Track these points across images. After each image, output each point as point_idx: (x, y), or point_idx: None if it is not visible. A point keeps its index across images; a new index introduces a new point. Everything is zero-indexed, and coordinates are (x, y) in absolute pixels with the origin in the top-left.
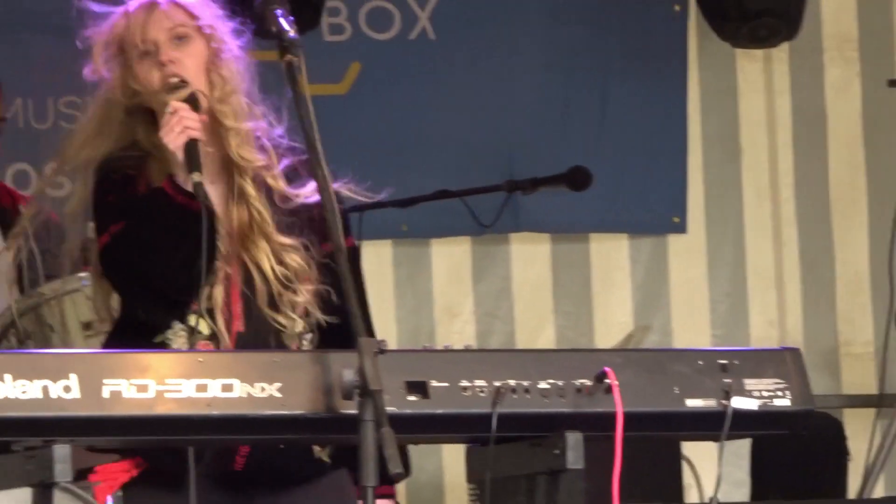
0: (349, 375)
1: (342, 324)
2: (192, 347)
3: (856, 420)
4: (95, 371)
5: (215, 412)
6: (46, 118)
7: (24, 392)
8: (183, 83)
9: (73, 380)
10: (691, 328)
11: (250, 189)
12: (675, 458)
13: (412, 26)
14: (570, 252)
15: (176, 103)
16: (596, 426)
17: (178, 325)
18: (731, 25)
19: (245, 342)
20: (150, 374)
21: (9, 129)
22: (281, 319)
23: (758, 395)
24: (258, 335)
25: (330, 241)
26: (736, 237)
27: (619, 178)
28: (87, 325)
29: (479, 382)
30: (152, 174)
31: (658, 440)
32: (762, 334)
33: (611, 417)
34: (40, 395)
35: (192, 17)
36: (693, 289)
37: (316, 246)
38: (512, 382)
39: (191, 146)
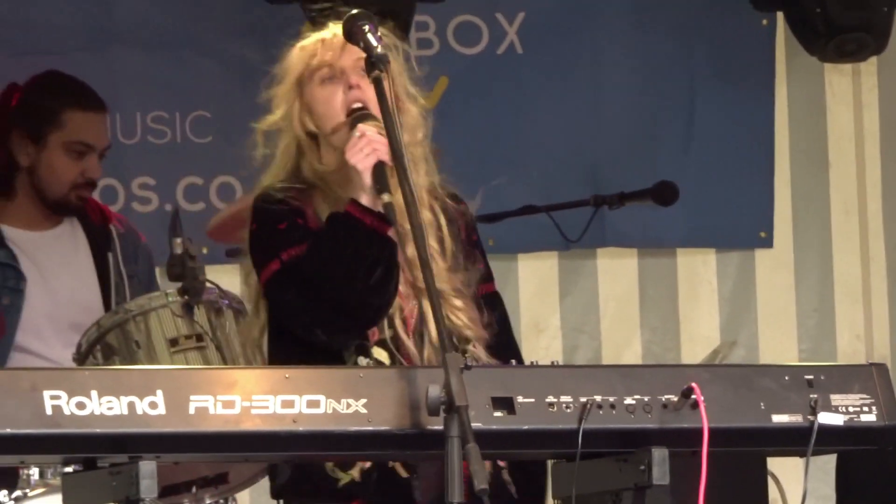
0: (435, 391)
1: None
2: None
3: None
4: (182, 387)
5: (301, 428)
6: (134, 133)
7: (110, 408)
8: (366, 110)
9: (159, 396)
10: (778, 343)
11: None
12: (761, 474)
13: (500, 40)
14: (656, 267)
15: (364, 126)
16: (682, 442)
17: (363, 361)
18: (819, 40)
19: None
20: (237, 390)
21: None
22: None
23: (844, 410)
24: None
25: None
26: (823, 251)
27: (706, 193)
28: (173, 342)
29: (565, 398)
30: (317, 204)
31: (744, 455)
32: (849, 349)
33: (697, 433)
34: (126, 412)
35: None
36: (780, 303)
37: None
38: (598, 398)
39: (380, 167)
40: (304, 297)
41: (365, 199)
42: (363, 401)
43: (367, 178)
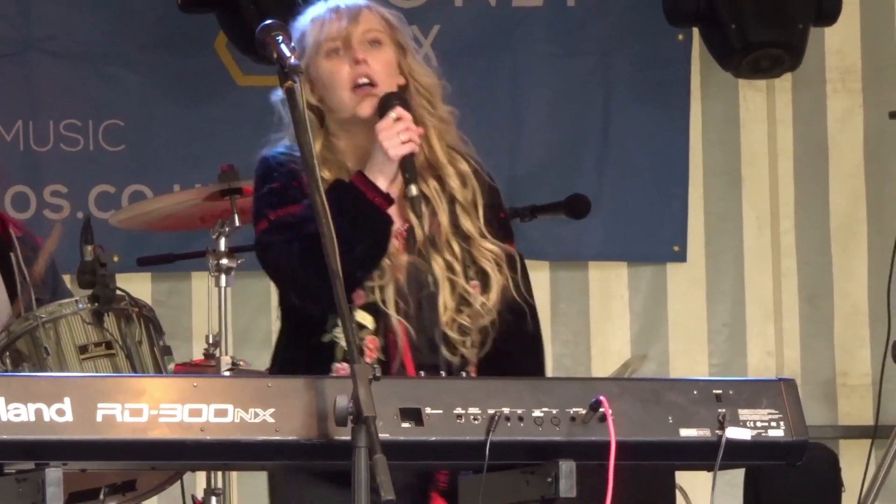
0: (343, 402)
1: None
2: (360, 342)
3: (851, 451)
4: (90, 395)
5: (209, 437)
6: (47, 141)
7: (17, 415)
8: (373, 85)
9: (66, 403)
10: (689, 358)
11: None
12: (669, 488)
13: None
14: (569, 280)
15: (401, 111)
16: (590, 455)
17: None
18: (734, 56)
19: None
20: (145, 398)
21: (9, 151)
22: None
23: (752, 425)
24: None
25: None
26: (736, 267)
27: (620, 207)
28: (82, 349)
29: (474, 410)
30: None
31: (652, 469)
32: (760, 365)
33: (604, 446)
34: (33, 419)
35: (388, 25)
36: (692, 318)
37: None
38: (506, 410)
39: (409, 158)
40: (284, 257)
41: (382, 182)
42: (271, 410)
43: (393, 168)
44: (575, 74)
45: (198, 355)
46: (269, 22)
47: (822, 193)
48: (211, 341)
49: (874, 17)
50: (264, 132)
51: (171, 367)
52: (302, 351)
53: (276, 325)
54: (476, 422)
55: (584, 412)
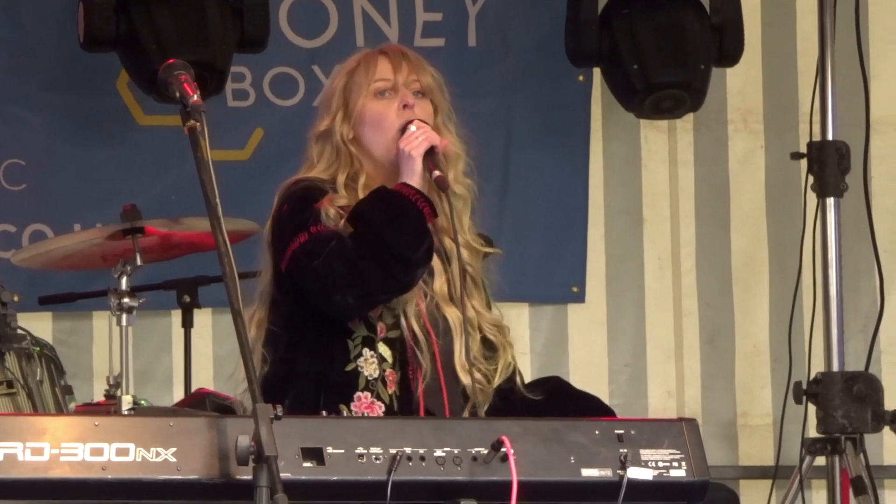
0: (244, 441)
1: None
2: (381, 375)
3: (753, 491)
4: None
5: (110, 476)
6: None
7: None
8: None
9: None
10: None
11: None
12: None
13: (316, 93)
14: None
15: (420, 122)
16: (491, 495)
17: (368, 353)
18: (636, 96)
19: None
20: (46, 437)
21: None
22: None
23: (653, 465)
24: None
25: None
26: (636, 308)
27: (520, 247)
28: None
29: (375, 450)
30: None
31: None
32: (661, 405)
33: (506, 486)
34: None
35: (434, 80)
36: (593, 358)
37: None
38: (408, 450)
39: (430, 151)
40: (334, 255)
41: (416, 182)
42: (172, 449)
43: (419, 164)
44: (475, 115)
45: (99, 395)
46: (172, 61)
47: (724, 234)
48: (112, 381)
49: (776, 59)
50: (165, 171)
51: (73, 406)
52: (319, 383)
53: (179, 363)
54: (378, 461)
55: (485, 452)
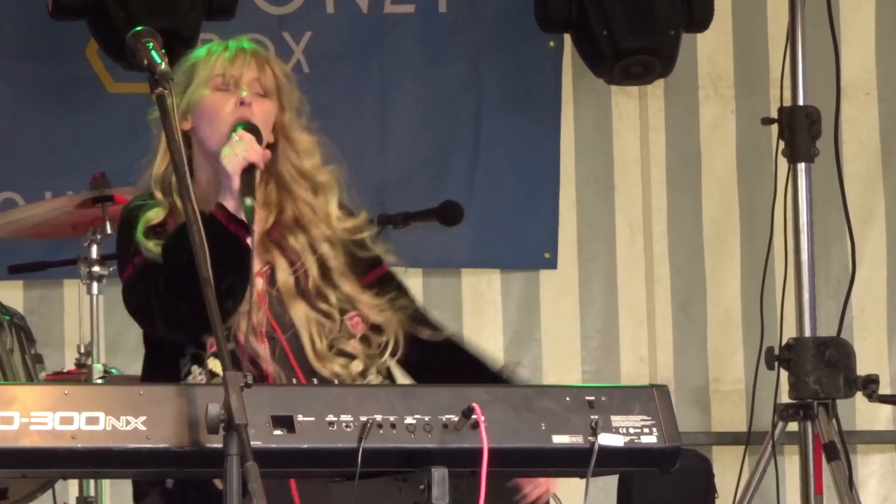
0: (214, 409)
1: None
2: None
3: (725, 457)
4: None
5: (80, 445)
6: None
7: None
8: (254, 127)
9: None
10: (562, 364)
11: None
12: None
13: (286, 59)
14: (441, 287)
15: (243, 132)
16: (462, 462)
17: (196, 370)
18: (606, 62)
19: None
20: (16, 406)
21: None
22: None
23: (624, 431)
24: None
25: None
26: (608, 274)
27: (492, 214)
28: None
29: (346, 417)
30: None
31: (525, 476)
32: (633, 371)
33: (477, 453)
34: None
35: (277, 79)
36: (564, 325)
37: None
38: (378, 417)
39: (249, 171)
40: (152, 292)
41: (230, 203)
42: (143, 418)
43: (237, 182)
44: (446, 82)
45: (70, 363)
46: (139, 29)
47: (695, 200)
48: (83, 350)
49: (746, 24)
50: (135, 139)
51: (43, 375)
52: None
53: None
54: (348, 429)
55: (456, 419)
